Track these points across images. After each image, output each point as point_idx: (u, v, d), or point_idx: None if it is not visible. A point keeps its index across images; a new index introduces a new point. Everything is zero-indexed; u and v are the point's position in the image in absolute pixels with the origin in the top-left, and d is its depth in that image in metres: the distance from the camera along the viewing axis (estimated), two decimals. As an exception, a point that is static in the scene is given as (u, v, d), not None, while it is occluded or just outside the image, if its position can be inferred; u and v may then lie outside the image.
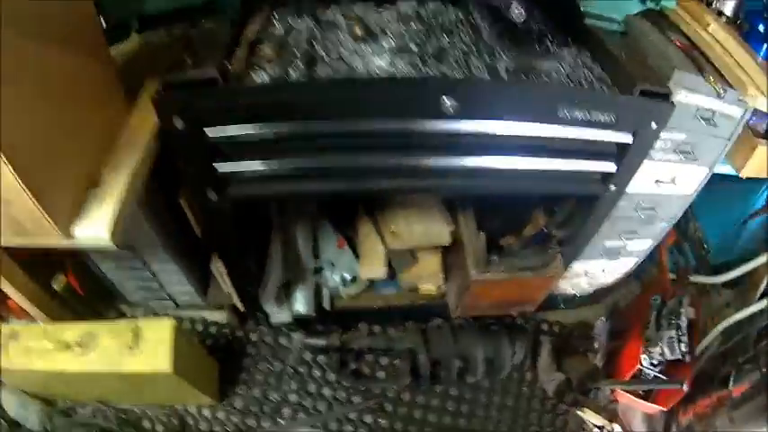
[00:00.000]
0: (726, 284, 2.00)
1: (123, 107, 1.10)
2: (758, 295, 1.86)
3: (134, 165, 1.01)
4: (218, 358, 1.57)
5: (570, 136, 1.03)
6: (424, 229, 1.44)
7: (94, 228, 0.93)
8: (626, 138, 1.07)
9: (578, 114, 1.00)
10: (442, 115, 0.95)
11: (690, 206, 1.76)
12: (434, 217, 1.46)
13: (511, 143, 1.04)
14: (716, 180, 1.41)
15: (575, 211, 1.35)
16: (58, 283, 1.40)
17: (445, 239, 1.45)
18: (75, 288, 1.44)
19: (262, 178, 1.01)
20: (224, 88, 0.90)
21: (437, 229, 1.44)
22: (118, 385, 1.32)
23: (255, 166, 0.99)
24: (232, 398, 1.56)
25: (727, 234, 1.92)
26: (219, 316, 1.68)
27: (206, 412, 1.52)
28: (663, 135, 1.13)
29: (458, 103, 0.93)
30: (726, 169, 1.46)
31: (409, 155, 1.02)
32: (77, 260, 1.39)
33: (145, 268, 1.38)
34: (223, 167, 0.99)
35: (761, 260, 1.77)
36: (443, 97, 0.92)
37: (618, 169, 1.14)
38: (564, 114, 0.99)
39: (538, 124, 1.01)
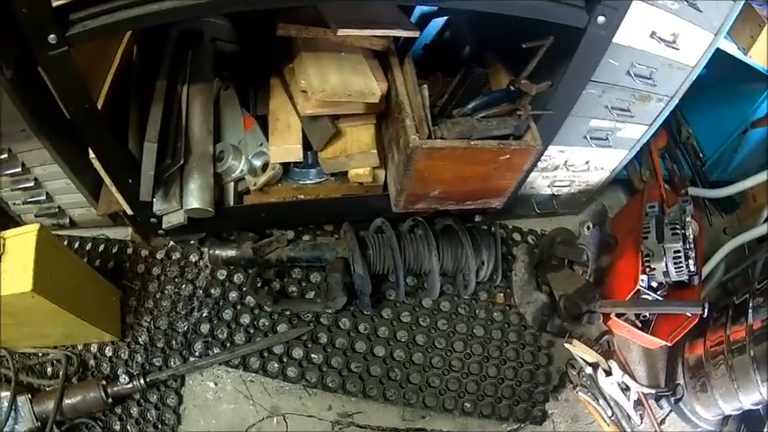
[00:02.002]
0: (723, 208, 1.70)
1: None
2: (763, 218, 1.49)
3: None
4: (122, 285, 1.26)
5: None
6: (341, 80, 1.00)
7: None
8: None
9: None
10: None
11: (680, 110, 1.52)
12: (359, 69, 1.04)
13: None
14: (713, 80, 1.19)
15: (552, 56, 0.96)
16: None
17: (374, 96, 1.03)
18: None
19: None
20: None
21: (361, 83, 1.02)
22: (4, 320, 1.00)
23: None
24: (137, 331, 1.22)
25: (723, 145, 1.56)
26: (123, 232, 1.35)
27: (108, 351, 1.20)
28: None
29: None
30: (731, 48, 1.19)
31: None
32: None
33: (27, 173, 1.14)
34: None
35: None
36: None
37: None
38: None
39: None
